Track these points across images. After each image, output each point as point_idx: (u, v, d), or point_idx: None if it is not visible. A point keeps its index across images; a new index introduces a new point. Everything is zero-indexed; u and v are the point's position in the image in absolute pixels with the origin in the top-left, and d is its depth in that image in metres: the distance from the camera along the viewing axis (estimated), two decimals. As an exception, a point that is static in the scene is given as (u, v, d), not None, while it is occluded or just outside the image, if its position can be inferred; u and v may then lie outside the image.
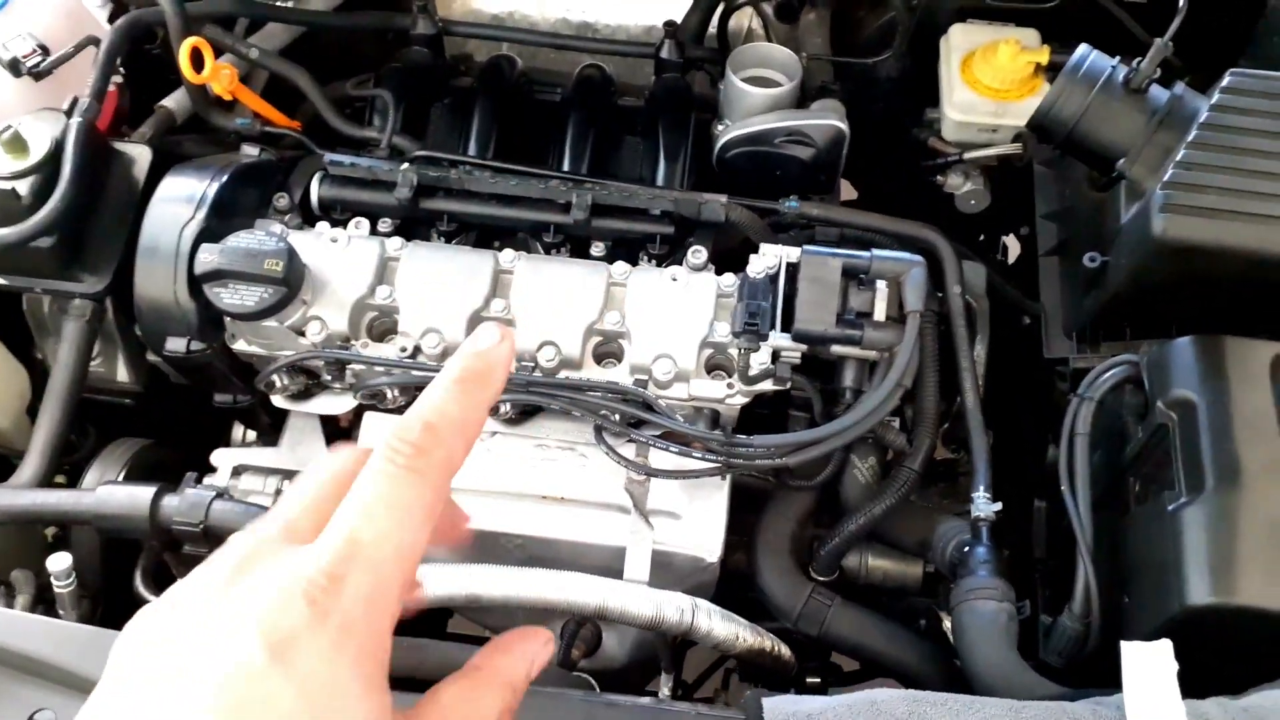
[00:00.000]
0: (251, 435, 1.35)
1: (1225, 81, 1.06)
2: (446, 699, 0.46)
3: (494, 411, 1.18)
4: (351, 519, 0.42)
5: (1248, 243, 1.00)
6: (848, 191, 1.86)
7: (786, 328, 1.13)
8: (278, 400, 1.21)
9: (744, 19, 1.68)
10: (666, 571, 1.18)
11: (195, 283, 1.11)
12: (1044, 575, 1.25)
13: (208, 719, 0.37)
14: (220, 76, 1.21)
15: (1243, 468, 0.94)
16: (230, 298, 1.09)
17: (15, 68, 1.17)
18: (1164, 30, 1.13)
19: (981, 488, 1.14)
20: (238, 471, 1.21)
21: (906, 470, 1.19)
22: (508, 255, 1.21)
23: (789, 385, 1.15)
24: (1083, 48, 1.15)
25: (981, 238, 1.81)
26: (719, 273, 1.22)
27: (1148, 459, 1.05)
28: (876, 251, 1.13)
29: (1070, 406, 1.10)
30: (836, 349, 1.15)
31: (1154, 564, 0.97)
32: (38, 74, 1.17)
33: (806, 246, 1.14)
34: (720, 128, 1.39)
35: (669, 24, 1.45)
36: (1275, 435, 0.95)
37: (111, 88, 1.24)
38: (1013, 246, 1.82)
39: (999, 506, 1.13)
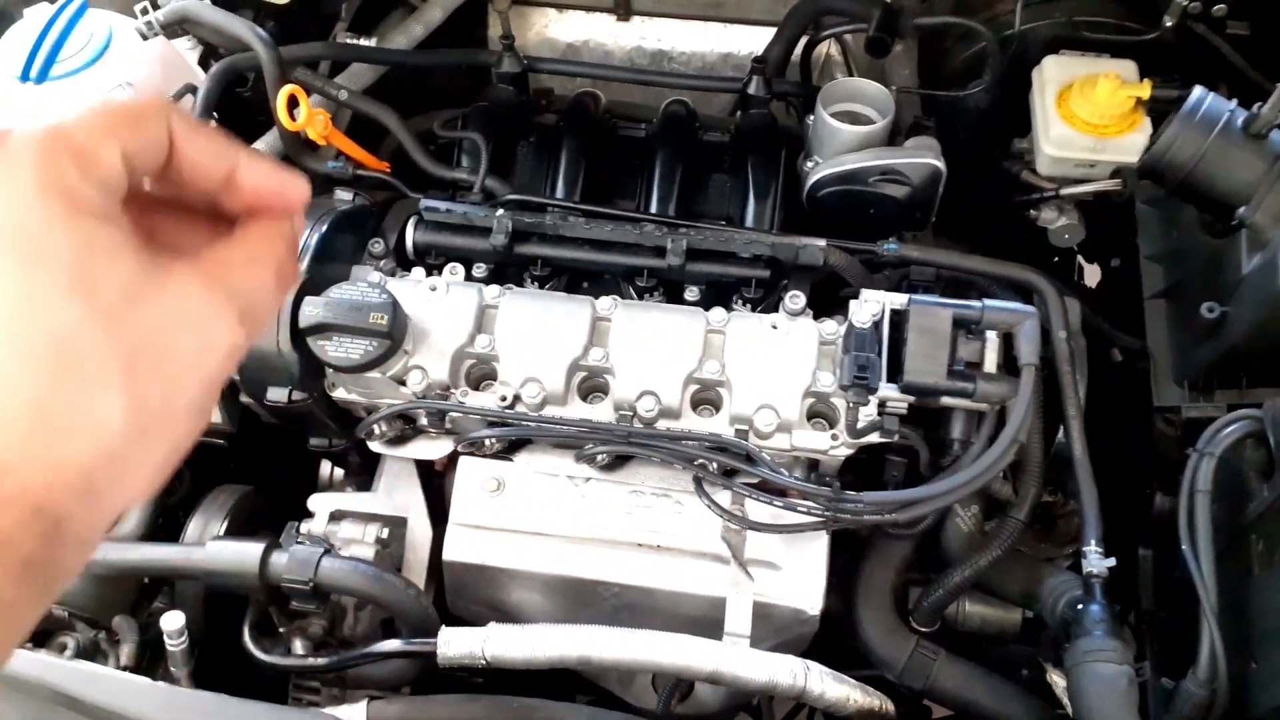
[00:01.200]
0: (339, 473, 1.35)
1: (1353, 127, 1.02)
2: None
3: (591, 459, 1.17)
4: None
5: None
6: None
7: (893, 378, 1.11)
8: (375, 445, 1.21)
9: (823, 47, 1.65)
10: (767, 623, 1.16)
11: (298, 334, 1.10)
12: (1152, 628, 1.22)
13: None
14: (315, 122, 1.21)
15: (1380, 535, 0.90)
16: (335, 350, 1.08)
17: (114, 117, 1.17)
18: (1268, 65, 1.09)
19: (1093, 541, 1.12)
20: (336, 517, 1.20)
21: (1013, 521, 1.17)
22: (605, 303, 1.19)
23: (896, 438, 1.13)
24: (1198, 90, 1.11)
25: (1055, 259, 1.77)
26: (815, 315, 1.21)
27: (1273, 518, 1.02)
28: (988, 302, 1.10)
29: (1190, 462, 1.07)
30: (945, 400, 1.13)
31: (1283, 632, 0.94)
32: (138, 124, 1.17)
33: (914, 296, 1.12)
34: (810, 165, 1.37)
35: (757, 60, 1.43)
36: None
37: (206, 133, 1.24)
38: (1089, 271, 1.79)
39: (1112, 562, 1.11)
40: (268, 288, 0.45)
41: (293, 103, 1.20)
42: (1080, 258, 1.76)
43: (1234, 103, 1.11)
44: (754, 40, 1.69)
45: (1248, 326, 1.06)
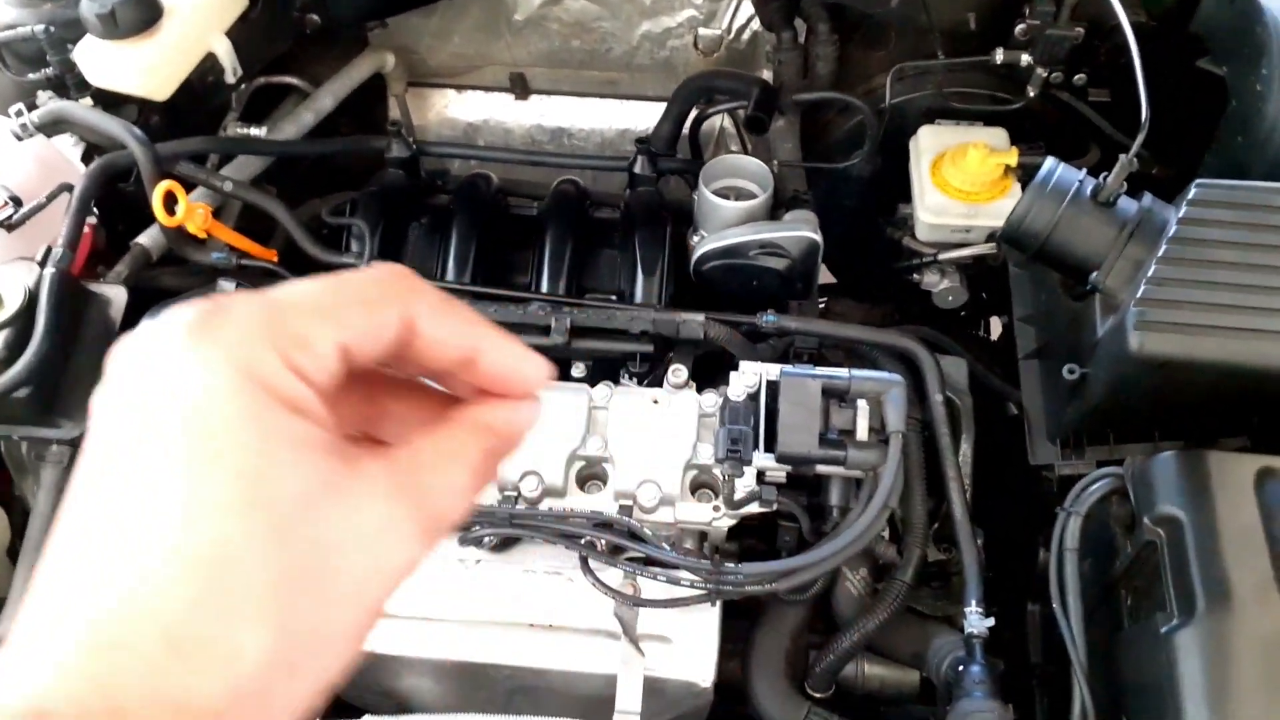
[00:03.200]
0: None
1: (1191, 194, 1.07)
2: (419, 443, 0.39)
3: (478, 542, 1.17)
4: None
5: (1220, 355, 1.01)
6: (826, 277, 1.87)
7: (770, 448, 1.13)
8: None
9: (715, 122, 1.70)
10: (659, 698, 1.16)
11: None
12: (1041, 682, 1.24)
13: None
14: (194, 216, 1.22)
15: (1233, 589, 0.93)
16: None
17: (-11, 220, 1.17)
18: (1130, 125, 1.14)
19: (974, 602, 1.14)
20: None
21: (898, 582, 1.19)
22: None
23: (775, 507, 1.15)
24: (1049, 161, 1.16)
25: (963, 314, 1.82)
26: (701, 388, 1.23)
27: (1138, 574, 1.05)
28: (856, 372, 1.13)
29: (1058, 521, 1.10)
30: (820, 468, 1.14)
31: (1150, 687, 0.96)
32: (10, 225, 1.18)
33: (785, 368, 1.14)
34: (696, 239, 1.40)
35: (640, 140, 1.46)
36: (1264, 553, 0.95)
37: (86, 229, 1.24)
38: (995, 324, 1.83)
39: (991, 623, 1.12)
40: (460, 491, 0.39)
41: (170, 199, 1.20)
42: (991, 319, 1.80)
43: (1084, 172, 1.16)
44: (650, 116, 1.73)
45: (1104, 387, 1.09)
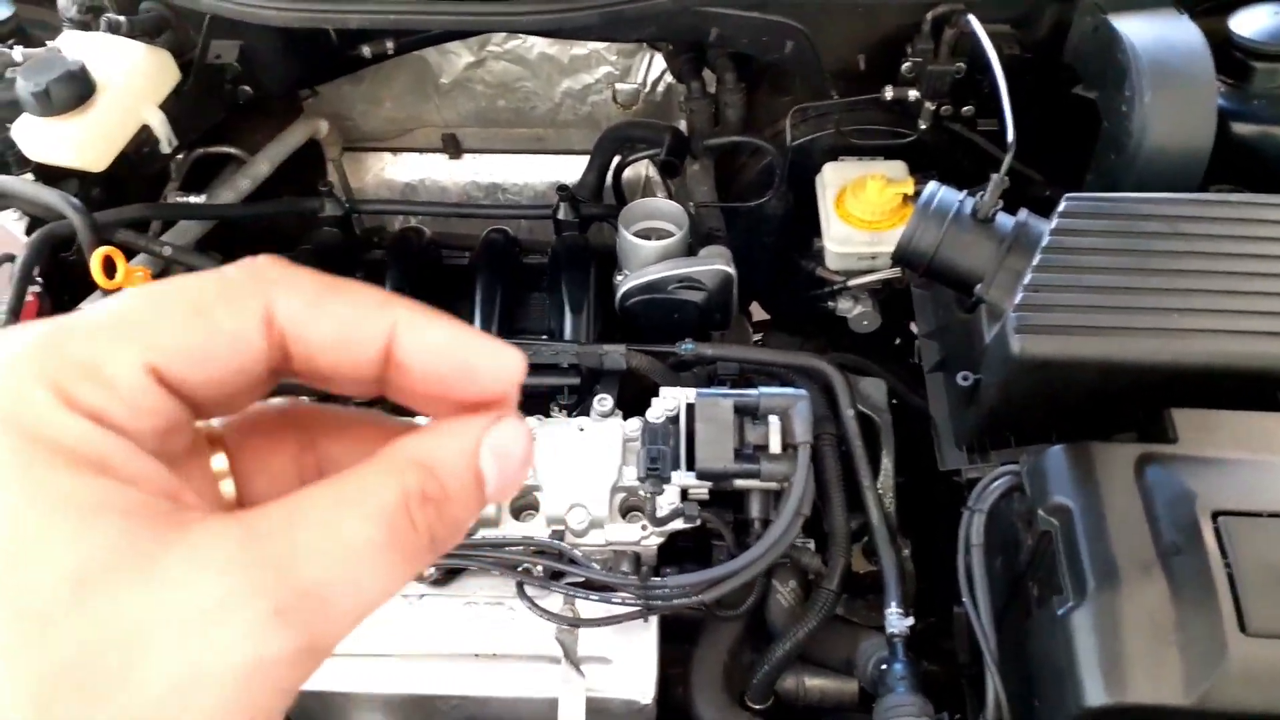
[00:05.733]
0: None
1: (1062, 207, 1.16)
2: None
3: (419, 575, 1.22)
4: None
5: (1097, 353, 1.08)
6: (761, 314, 1.95)
7: (690, 466, 1.19)
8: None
9: (641, 169, 1.79)
10: (603, 717, 1.20)
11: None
12: (969, 681, 1.29)
13: None
14: (134, 279, 1.27)
15: (1119, 568, 0.99)
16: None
17: (-68, 290, 1.22)
18: (1020, 152, 1.22)
19: (893, 604, 1.19)
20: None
21: (825, 591, 1.24)
22: (420, 420, 1.25)
23: (699, 522, 1.20)
24: (931, 185, 1.25)
25: (898, 341, 1.90)
26: (629, 417, 1.29)
27: (1039, 564, 1.11)
28: (764, 389, 1.19)
29: (964, 519, 1.16)
30: (739, 482, 1.20)
31: (1053, 668, 1.02)
32: (-46, 295, 1.23)
33: (700, 390, 1.21)
34: (619, 278, 1.47)
35: (561, 188, 1.54)
36: (1146, 534, 1.01)
37: (30, 297, 1.29)
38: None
39: (910, 621, 1.18)
40: (355, 551, 0.28)
41: (109, 264, 1.26)
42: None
43: (964, 193, 1.24)
44: (578, 168, 1.81)
45: (996, 390, 1.17)
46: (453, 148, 1.87)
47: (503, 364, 0.31)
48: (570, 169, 1.88)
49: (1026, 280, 1.12)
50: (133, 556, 0.25)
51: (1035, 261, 1.13)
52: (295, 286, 0.29)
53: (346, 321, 0.29)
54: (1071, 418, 1.20)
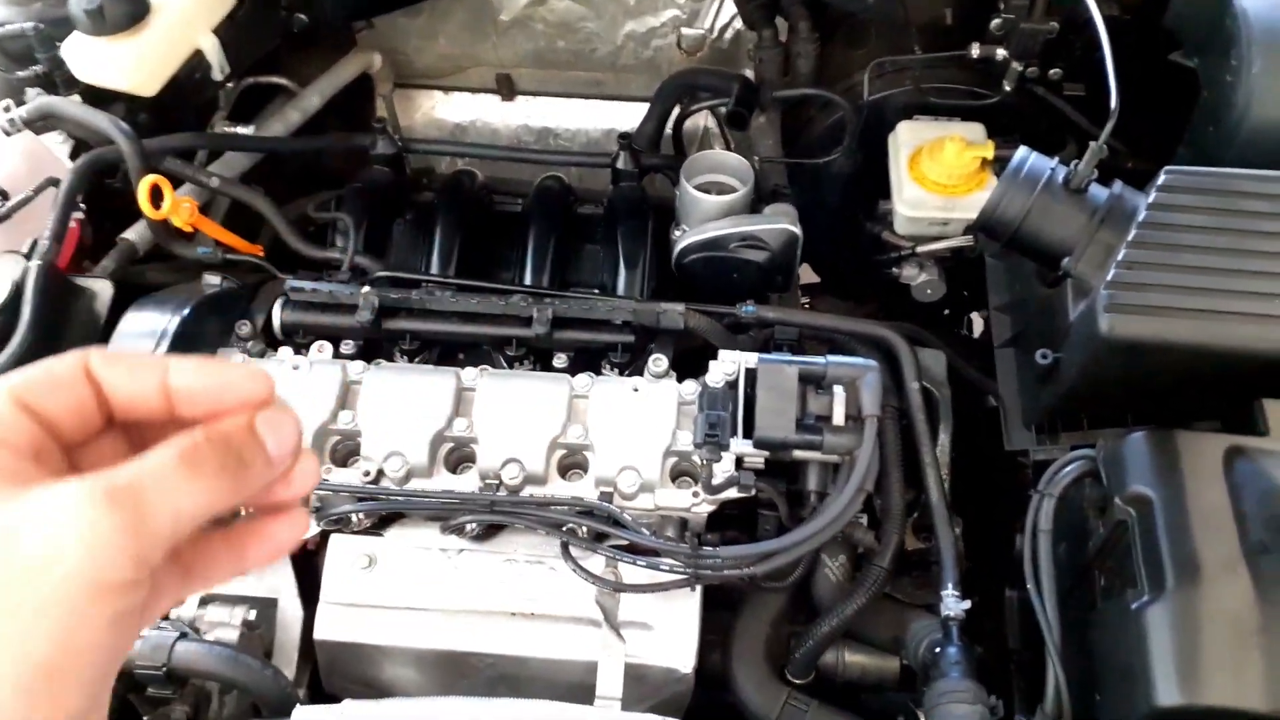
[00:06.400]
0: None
1: (1161, 180, 1.09)
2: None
3: (460, 530, 1.18)
4: None
5: (1189, 337, 1.02)
6: (809, 276, 1.90)
7: (748, 434, 1.14)
8: (243, 528, 1.21)
9: (700, 120, 1.73)
10: (641, 684, 1.17)
11: (156, 418, 1.11)
12: (1019, 667, 1.24)
13: None
14: (180, 210, 1.23)
15: (1202, 565, 0.94)
16: (191, 433, 1.09)
17: (-25, 213, 1.19)
18: (1104, 119, 1.16)
19: (950, 585, 1.15)
20: (204, 601, 1.19)
21: (876, 568, 1.19)
22: (469, 373, 1.22)
23: (754, 492, 1.16)
24: (1022, 150, 1.18)
25: (946, 312, 1.84)
26: (683, 377, 1.24)
27: (1110, 553, 1.06)
28: (832, 358, 1.14)
29: (1032, 503, 1.11)
30: (798, 453, 1.16)
31: (1122, 663, 0.97)
32: (-2, 218, 1.20)
33: (762, 355, 1.15)
34: (677, 233, 1.42)
35: (623, 136, 1.48)
36: (1231, 531, 0.96)
37: (73, 223, 1.26)
38: (979, 321, 1.85)
39: (968, 605, 1.13)
40: (161, 466, 0.39)
41: (156, 192, 1.22)
42: (973, 316, 1.82)
43: (1055, 160, 1.17)
44: (635, 115, 1.75)
45: (1076, 371, 1.11)
46: (506, 89, 1.81)
47: (254, 379, 0.43)
48: (626, 116, 1.82)
49: (1120, 256, 1.05)
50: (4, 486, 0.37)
51: (1130, 237, 1.06)
52: (99, 352, 0.41)
53: (134, 366, 0.42)
54: (1152, 402, 1.15)
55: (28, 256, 1.16)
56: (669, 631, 1.17)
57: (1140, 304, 1.03)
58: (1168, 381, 1.10)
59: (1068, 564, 1.12)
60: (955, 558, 1.17)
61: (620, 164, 1.48)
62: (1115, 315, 1.03)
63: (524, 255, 1.43)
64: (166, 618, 1.13)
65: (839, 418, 1.14)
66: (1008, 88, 1.43)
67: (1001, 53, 1.37)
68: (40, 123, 1.25)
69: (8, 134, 1.24)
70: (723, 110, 1.66)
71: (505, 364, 1.30)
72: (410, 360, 1.29)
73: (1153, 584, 0.96)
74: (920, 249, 1.45)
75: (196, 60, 1.32)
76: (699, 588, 1.18)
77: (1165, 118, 1.41)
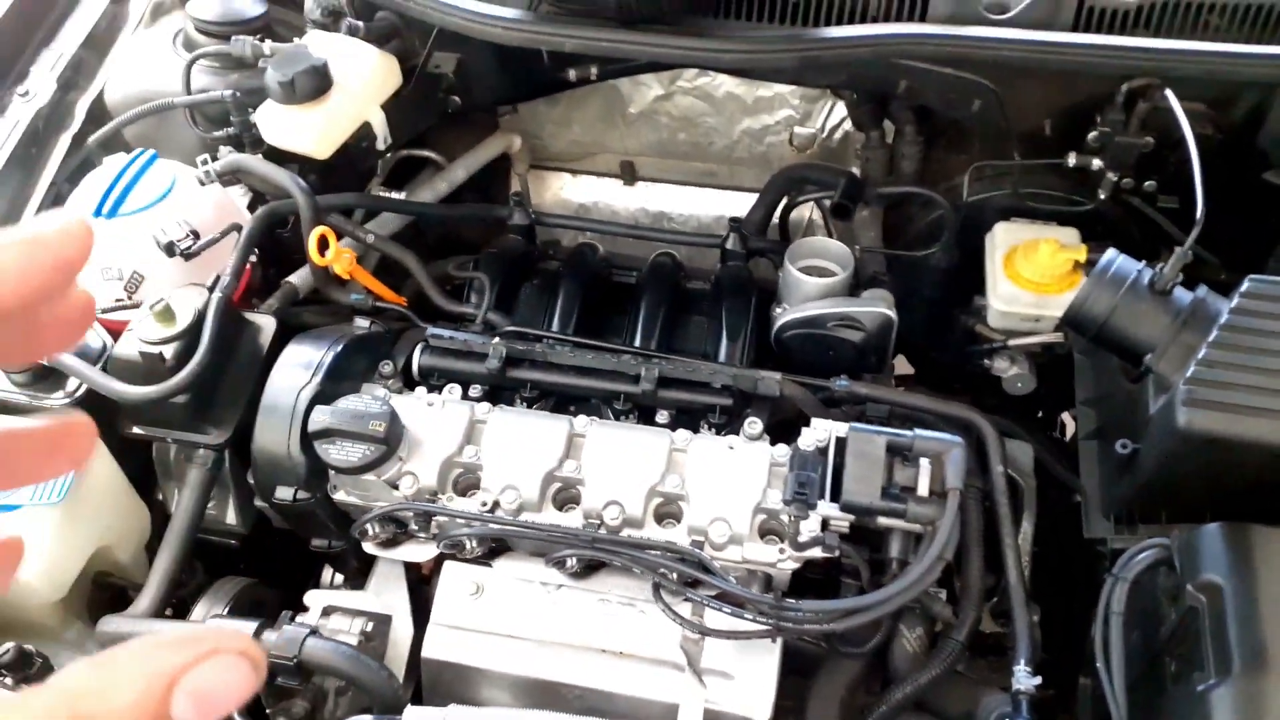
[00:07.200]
0: (339, 578, 1.46)
1: (1244, 287, 1.15)
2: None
3: (560, 565, 1.28)
4: None
5: (1266, 436, 1.07)
6: (904, 368, 1.97)
7: (835, 498, 1.22)
8: (368, 547, 1.33)
9: (805, 211, 1.84)
10: (717, 730, 1.23)
11: (307, 439, 1.25)
12: (1091, 754, 1.27)
13: None
14: (341, 259, 1.39)
15: (1269, 652, 0.98)
16: (337, 453, 1.23)
17: (170, 249, 1.37)
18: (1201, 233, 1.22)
19: (1022, 661, 1.19)
20: (327, 612, 1.31)
21: (952, 642, 1.24)
22: (581, 421, 1.33)
23: (837, 553, 1.23)
24: (1110, 251, 1.26)
25: (1040, 414, 1.88)
26: (774, 443, 1.33)
27: (1181, 639, 1.09)
28: (919, 431, 1.22)
29: (1106, 586, 1.15)
30: (882, 520, 1.23)
31: (1188, 744, 1.00)
32: (188, 255, 1.37)
33: (854, 424, 1.24)
34: (778, 310, 1.52)
35: (733, 220, 1.61)
36: (1299, 621, 0.99)
37: (248, 265, 1.43)
38: (1070, 424, 1.89)
39: (1039, 680, 1.18)
40: None
41: (323, 243, 1.39)
42: (1065, 417, 1.86)
43: (1143, 263, 1.25)
44: (743, 204, 1.88)
45: (1155, 462, 1.16)
46: (629, 175, 1.97)
47: (66, 234, 0.36)
48: (736, 205, 1.95)
49: (1200, 355, 1.11)
50: None
51: (1211, 338, 1.12)
52: None
53: None
54: (1230, 500, 1.19)
55: (210, 289, 1.33)
56: (748, 681, 1.24)
57: (1218, 400, 1.09)
58: (1244, 480, 1.14)
59: (1140, 650, 1.16)
60: (1030, 637, 1.22)
61: (729, 245, 1.61)
62: (1193, 410, 1.09)
63: (635, 321, 1.55)
64: (293, 619, 1.25)
65: (923, 489, 1.21)
66: (1102, 195, 1.50)
67: (1098, 163, 1.46)
68: (229, 176, 1.44)
69: (202, 184, 1.42)
70: (828, 202, 1.78)
71: (613, 417, 1.42)
72: (529, 406, 1.42)
73: (1220, 668, 1.00)
74: (1012, 342, 1.52)
75: (365, 131, 1.50)
76: (779, 642, 1.24)
77: (1257, 233, 1.47)
